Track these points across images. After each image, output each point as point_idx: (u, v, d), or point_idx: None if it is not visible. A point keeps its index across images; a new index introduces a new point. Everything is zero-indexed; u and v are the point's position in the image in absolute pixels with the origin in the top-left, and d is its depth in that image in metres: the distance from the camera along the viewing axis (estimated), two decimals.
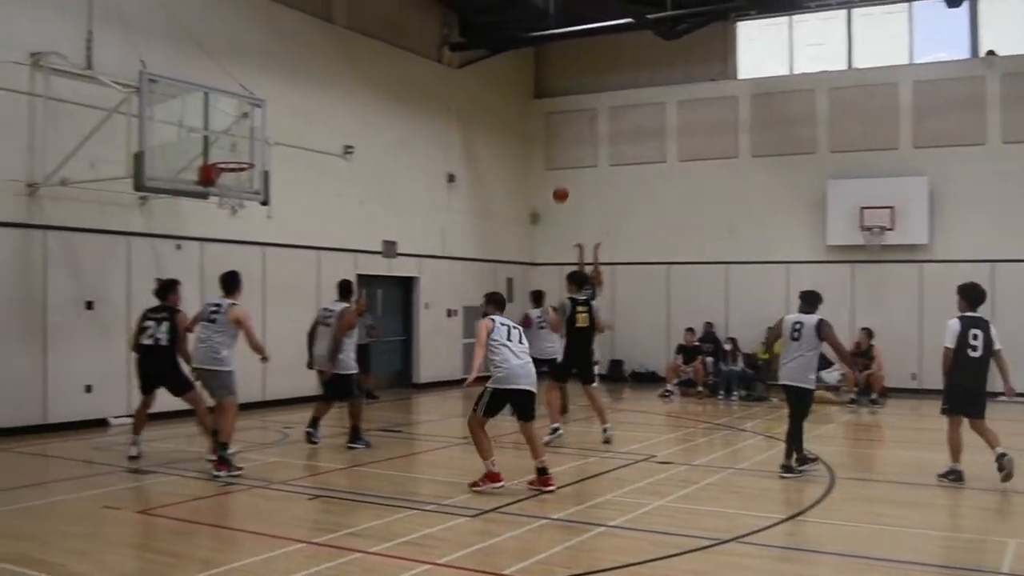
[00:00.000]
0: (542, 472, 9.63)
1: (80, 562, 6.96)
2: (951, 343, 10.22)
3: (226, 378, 10.59)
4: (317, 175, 18.05)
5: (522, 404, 9.75)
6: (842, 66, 21.89)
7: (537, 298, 16.15)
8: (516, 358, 9.68)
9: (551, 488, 9.51)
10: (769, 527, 8.18)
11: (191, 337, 10.99)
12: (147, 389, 11.38)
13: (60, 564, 6.88)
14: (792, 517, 8.62)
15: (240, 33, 16.51)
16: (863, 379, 18.10)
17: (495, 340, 9.65)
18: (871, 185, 20.59)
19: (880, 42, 21.55)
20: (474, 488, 9.52)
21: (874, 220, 20.38)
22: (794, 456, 10.55)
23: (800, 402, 10.61)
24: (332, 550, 7.23)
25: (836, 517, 8.64)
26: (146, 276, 14.75)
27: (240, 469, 10.39)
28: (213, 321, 10.60)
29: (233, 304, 10.70)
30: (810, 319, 10.64)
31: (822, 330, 10.55)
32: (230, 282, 10.95)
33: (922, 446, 12.30)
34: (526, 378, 9.71)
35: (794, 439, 10.57)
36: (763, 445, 11.04)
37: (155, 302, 11.37)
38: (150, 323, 11.13)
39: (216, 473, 10.19)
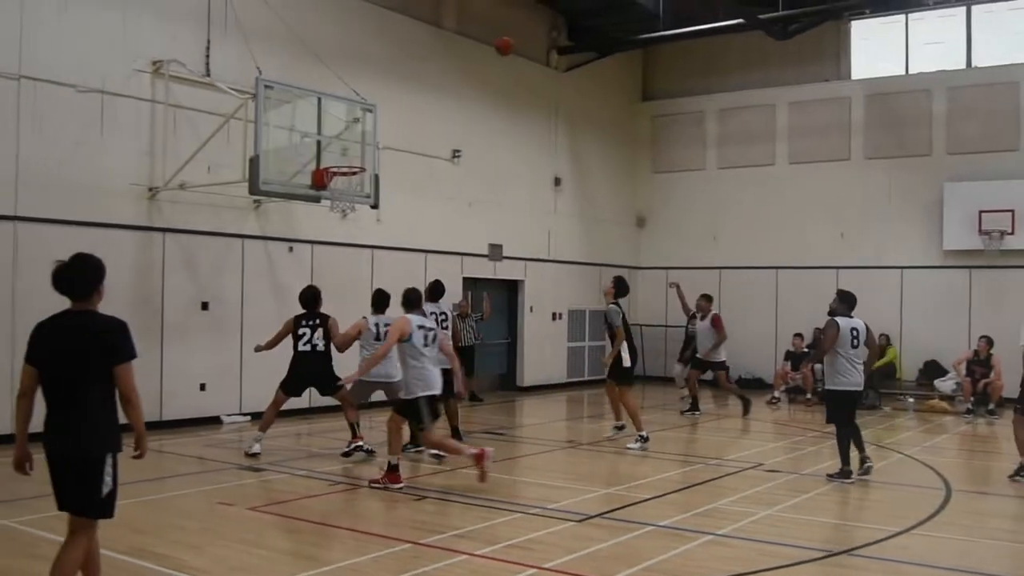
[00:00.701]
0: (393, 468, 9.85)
1: (195, 556, 7.15)
2: None
3: None
4: (425, 179, 18.23)
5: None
6: (960, 65, 21.21)
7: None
8: (435, 366, 10.00)
9: (397, 486, 9.69)
10: (883, 539, 7.96)
11: (393, 355, 10.85)
12: (296, 391, 11.84)
13: (176, 557, 7.08)
14: (907, 530, 8.38)
15: (351, 39, 16.78)
16: (981, 388, 17.60)
17: (415, 347, 9.79)
18: (990, 188, 19.90)
19: (1001, 40, 20.79)
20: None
21: (993, 224, 19.70)
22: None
23: (856, 406, 10.83)
24: (438, 551, 7.29)
25: (951, 531, 8.38)
26: (260, 278, 15.17)
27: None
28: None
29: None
30: (861, 324, 10.72)
31: (870, 335, 10.78)
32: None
33: None
34: (437, 383, 10.00)
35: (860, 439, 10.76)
36: (874, 455, 10.77)
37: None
38: (305, 330, 11.59)
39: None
